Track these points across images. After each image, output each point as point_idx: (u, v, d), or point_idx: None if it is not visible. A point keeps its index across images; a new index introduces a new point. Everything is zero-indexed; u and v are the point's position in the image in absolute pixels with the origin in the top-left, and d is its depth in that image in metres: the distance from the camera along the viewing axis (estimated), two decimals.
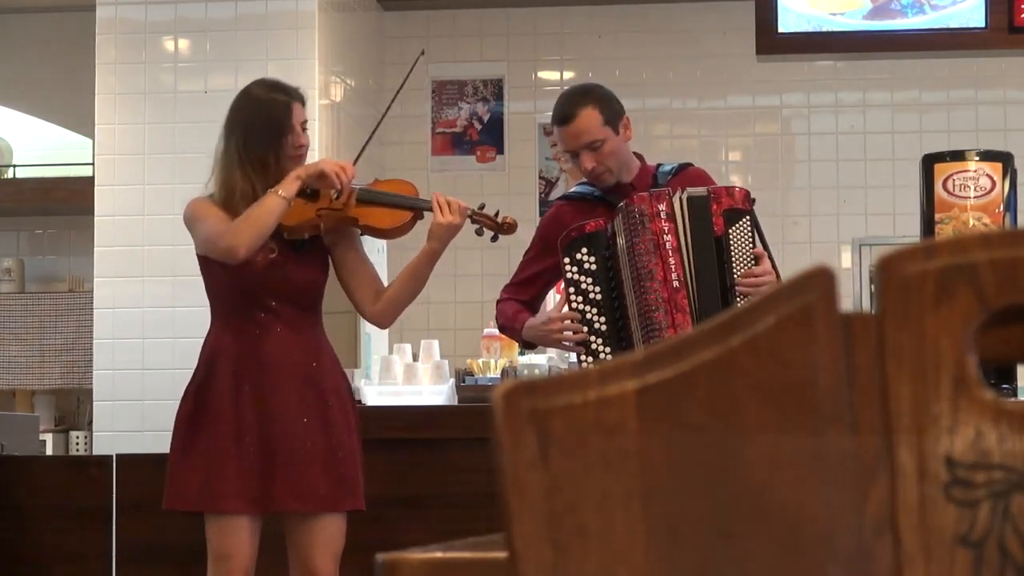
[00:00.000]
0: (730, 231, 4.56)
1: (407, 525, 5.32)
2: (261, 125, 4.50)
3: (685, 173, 4.82)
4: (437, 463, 5.78)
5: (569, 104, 4.70)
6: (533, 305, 4.88)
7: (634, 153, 4.82)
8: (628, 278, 4.55)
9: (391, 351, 6.66)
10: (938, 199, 5.72)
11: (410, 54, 8.09)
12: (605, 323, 4.59)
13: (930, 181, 5.76)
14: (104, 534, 5.95)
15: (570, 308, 4.62)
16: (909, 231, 6.53)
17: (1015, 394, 5.68)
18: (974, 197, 5.68)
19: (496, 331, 6.57)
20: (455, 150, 8.06)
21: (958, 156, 5.81)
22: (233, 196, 4.48)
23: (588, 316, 4.60)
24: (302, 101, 4.59)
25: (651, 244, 4.52)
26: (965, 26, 6.69)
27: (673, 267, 4.52)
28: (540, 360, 6.39)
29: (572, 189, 4.91)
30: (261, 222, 4.40)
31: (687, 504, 0.93)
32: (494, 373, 6.19)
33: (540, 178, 8.01)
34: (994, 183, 5.68)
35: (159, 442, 6.38)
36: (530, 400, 0.94)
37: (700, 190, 4.60)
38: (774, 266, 4.64)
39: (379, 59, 7.98)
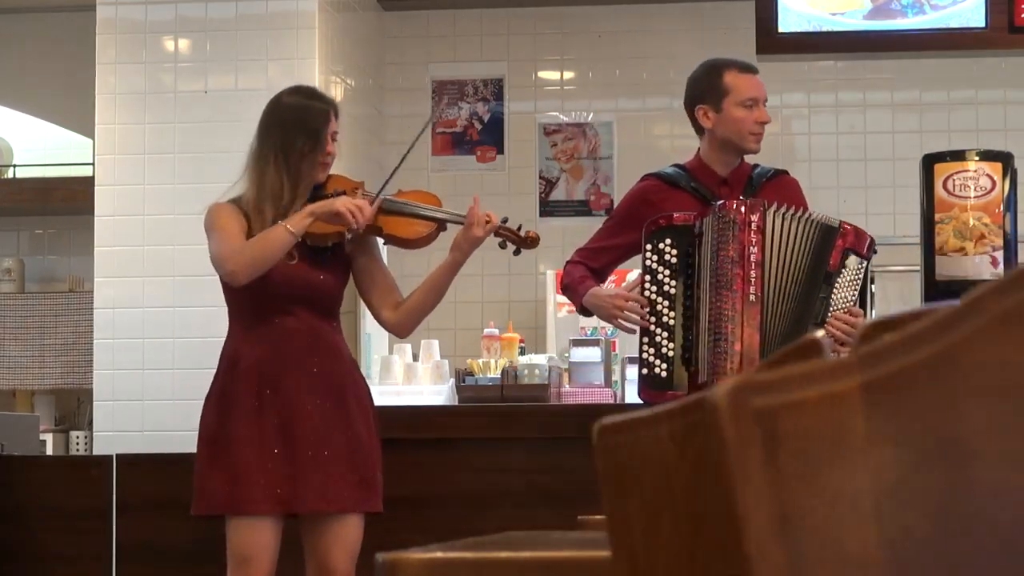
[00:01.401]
0: (842, 269, 4.57)
1: (407, 525, 5.32)
2: (300, 130, 4.53)
3: (780, 180, 4.86)
4: (437, 463, 5.78)
5: (748, 62, 4.93)
6: (602, 274, 4.91)
7: None
8: (707, 281, 4.55)
9: (391, 351, 6.65)
10: (938, 199, 5.72)
11: (410, 54, 8.11)
12: (674, 318, 4.60)
13: (930, 181, 5.75)
14: (104, 534, 5.95)
15: (642, 294, 4.63)
16: (909, 231, 6.52)
17: None
18: (974, 197, 5.67)
19: (496, 331, 6.58)
20: (455, 150, 8.05)
21: (958, 156, 5.81)
22: (264, 196, 4.51)
23: (659, 307, 4.61)
24: (336, 112, 4.62)
25: (737, 254, 4.52)
26: (965, 26, 6.68)
27: (753, 281, 4.51)
28: (540, 360, 6.38)
29: (665, 169, 4.92)
30: (265, 254, 4.45)
31: (916, 503, 0.90)
32: (494, 373, 6.18)
33: (540, 178, 8.00)
34: (994, 183, 5.68)
35: (159, 442, 6.38)
36: (756, 398, 0.92)
37: (832, 220, 4.62)
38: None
39: (379, 59, 7.97)
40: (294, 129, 4.55)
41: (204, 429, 4.56)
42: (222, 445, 4.48)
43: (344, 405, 4.54)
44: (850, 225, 4.65)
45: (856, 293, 4.59)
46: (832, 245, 4.59)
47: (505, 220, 4.77)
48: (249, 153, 4.62)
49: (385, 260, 4.90)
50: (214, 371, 4.64)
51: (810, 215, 4.61)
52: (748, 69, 4.87)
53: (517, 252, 4.83)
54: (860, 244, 4.63)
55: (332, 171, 4.71)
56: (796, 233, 4.58)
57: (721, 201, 4.62)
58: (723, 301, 4.51)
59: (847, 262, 4.59)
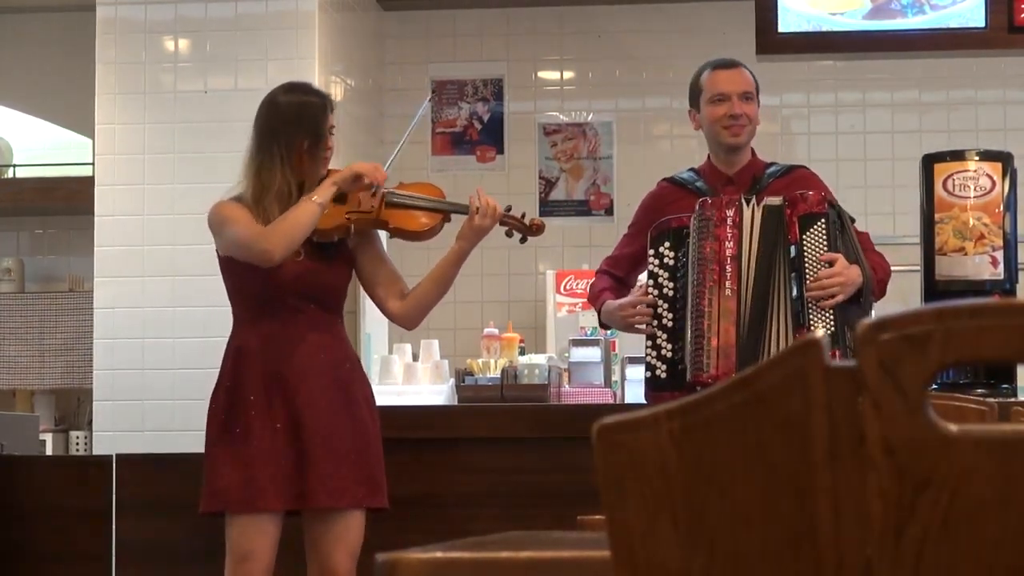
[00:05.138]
0: (803, 237, 4.58)
1: (407, 525, 5.32)
2: (301, 127, 4.54)
3: (793, 175, 4.86)
4: (437, 463, 5.78)
5: (731, 59, 4.98)
6: (626, 281, 4.95)
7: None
8: (691, 280, 4.59)
9: (391, 351, 6.65)
10: (938, 199, 5.72)
11: (410, 54, 8.11)
12: (671, 320, 4.64)
13: (930, 181, 5.75)
14: (104, 534, 5.95)
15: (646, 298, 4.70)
16: (909, 231, 6.52)
17: (1015, 394, 5.67)
18: (974, 197, 5.68)
19: (496, 331, 6.58)
20: (455, 150, 8.06)
21: (958, 156, 5.81)
22: (269, 196, 4.51)
23: (659, 310, 4.67)
24: (332, 106, 4.64)
25: (713, 249, 4.55)
26: (965, 26, 6.69)
27: (729, 275, 4.55)
28: (540, 360, 6.38)
29: (679, 173, 4.95)
30: (296, 228, 4.44)
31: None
32: (494, 373, 6.18)
33: (540, 178, 8.01)
34: (994, 183, 5.68)
35: (159, 442, 6.39)
36: (616, 435, 1.04)
37: (776, 199, 4.62)
38: (861, 265, 4.60)
39: (379, 59, 7.98)
40: (295, 127, 4.55)
41: (212, 429, 4.55)
42: (231, 444, 4.47)
43: (352, 400, 4.55)
44: (795, 193, 4.65)
45: (824, 250, 4.58)
46: (784, 221, 4.60)
47: (509, 208, 4.80)
48: (248, 155, 4.62)
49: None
50: (214, 370, 4.64)
51: (760, 201, 4.62)
52: (722, 65, 4.93)
53: (523, 240, 4.87)
54: (811, 204, 4.62)
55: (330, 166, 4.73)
56: (760, 221, 4.60)
57: (702, 199, 4.66)
58: (701, 298, 4.56)
59: (805, 227, 4.59)
